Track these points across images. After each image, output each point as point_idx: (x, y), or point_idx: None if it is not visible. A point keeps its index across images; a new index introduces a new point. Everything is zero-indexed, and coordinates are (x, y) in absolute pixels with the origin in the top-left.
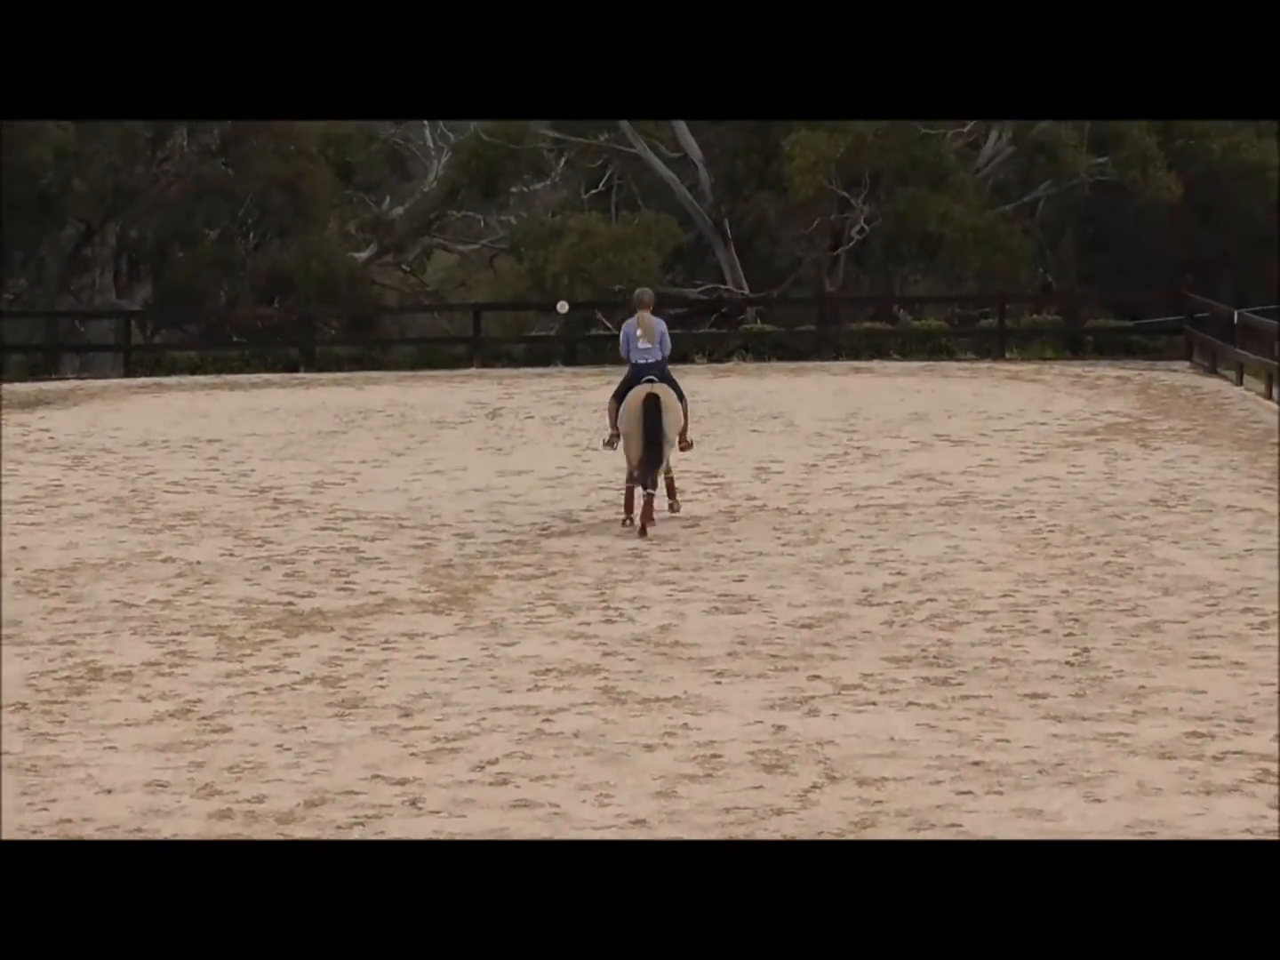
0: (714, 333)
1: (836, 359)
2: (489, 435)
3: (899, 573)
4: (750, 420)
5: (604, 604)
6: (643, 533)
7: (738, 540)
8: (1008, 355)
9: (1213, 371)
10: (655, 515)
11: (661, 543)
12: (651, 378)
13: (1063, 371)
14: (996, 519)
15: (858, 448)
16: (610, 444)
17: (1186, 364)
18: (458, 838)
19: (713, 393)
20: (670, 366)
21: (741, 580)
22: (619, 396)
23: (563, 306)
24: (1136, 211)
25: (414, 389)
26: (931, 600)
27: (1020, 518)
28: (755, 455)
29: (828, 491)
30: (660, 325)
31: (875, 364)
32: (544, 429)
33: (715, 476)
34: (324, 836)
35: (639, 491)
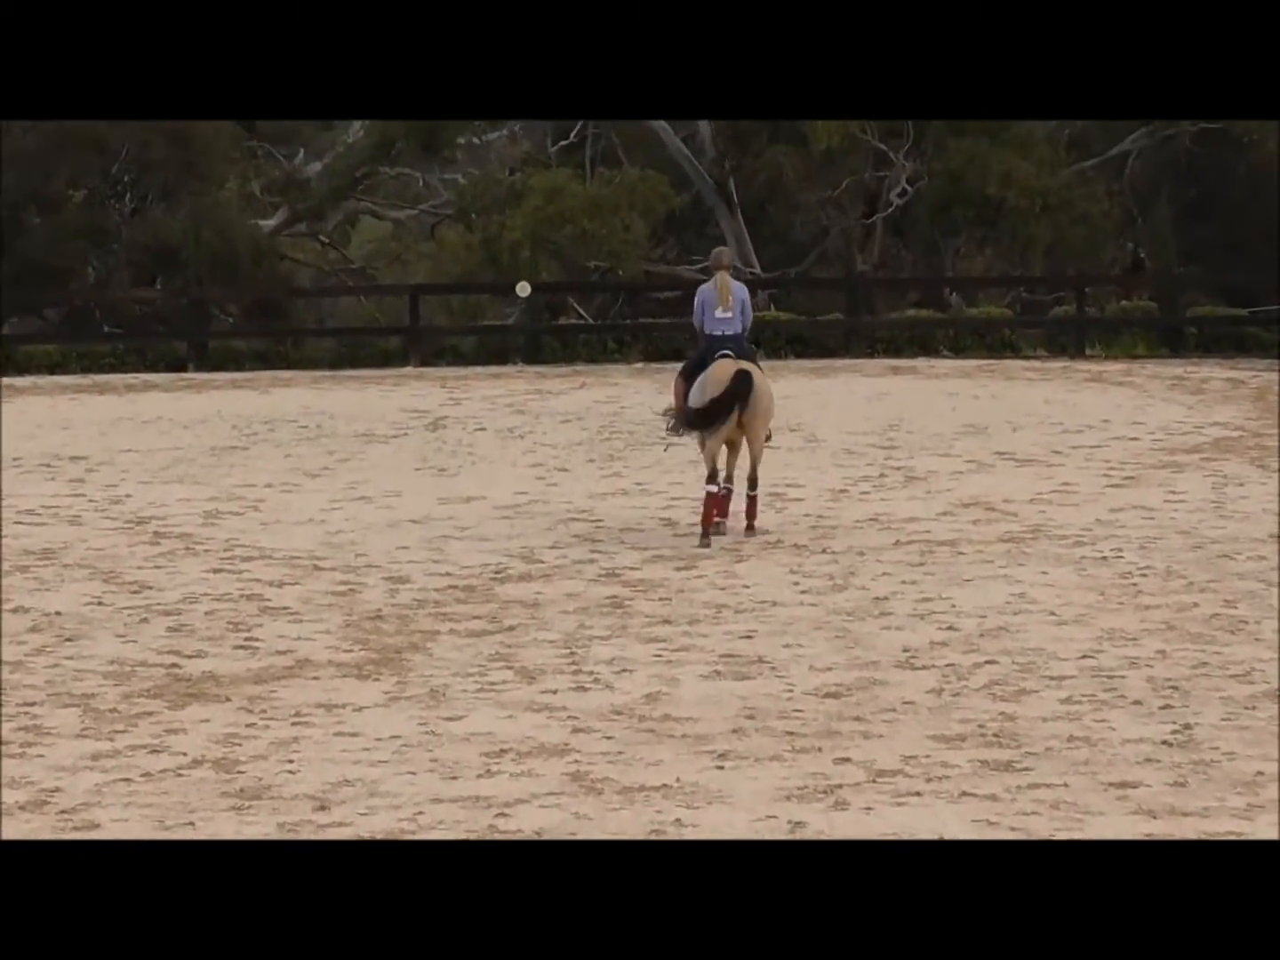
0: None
1: (871, 355)
2: (429, 452)
3: (950, 627)
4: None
5: (574, 667)
6: (750, 530)
7: (745, 586)
8: (1088, 352)
9: None
10: (716, 521)
11: (648, 589)
12: (729, 351)
13: (1158, 372)
14: (1074, 559)
15: (898, 468)
16: (676, 429)
17: None
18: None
19: None
20: (658, 365)
21: (750, 637)
22: (689, 375)
23: (523, 288)
24: (1250, 170)
25: (334, 393)
26: (991, 663)
27: (1104, 558)
28: (769, 478)
29: (859, 524)
30: (742, 291)
31: (920, 362)
32: (499, 444)
33: None
34: None
35: (716, 491)
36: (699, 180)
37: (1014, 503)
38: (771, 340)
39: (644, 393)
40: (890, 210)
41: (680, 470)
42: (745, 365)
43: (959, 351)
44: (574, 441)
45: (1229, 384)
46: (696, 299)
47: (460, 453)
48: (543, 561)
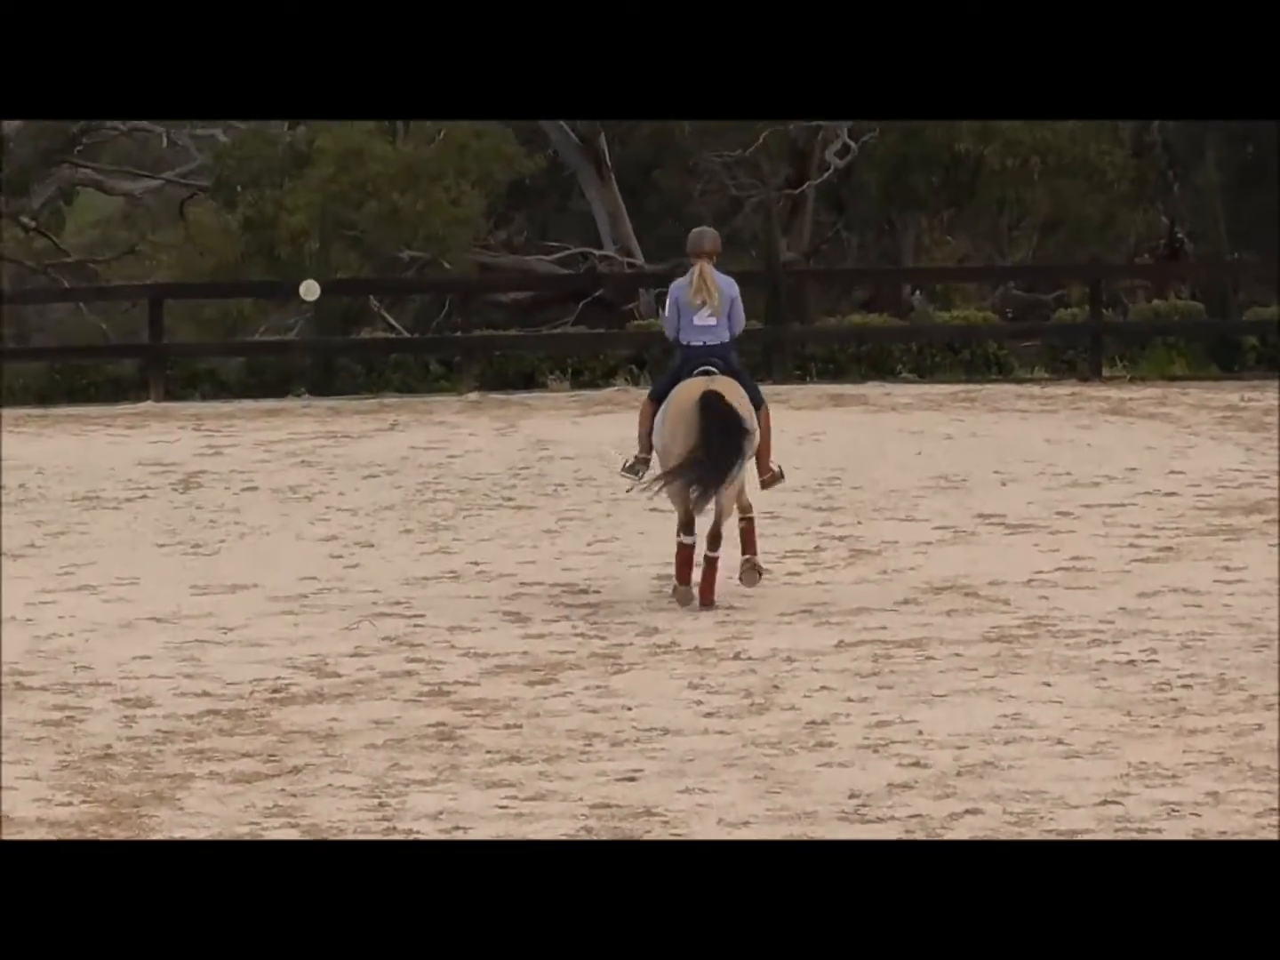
0: (581, 334)
1: (801, 379)
2: (179, 521)
3: (916, 763)
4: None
5: (385, 824)
6: (706, 603)
7: (626, 707)
8: (1107, 372)
9: None
10: (717, 586)
11: (490, 712)
12: (711, 368)
13: (1204, 400)
14: (1088, 665)
15: (840, 538)
16: (635, 470)
17: None
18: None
19: (581, 444)
20: (501, 395)
21: (633, 779)
22: (658, 396)
23: (309, 290)
24: None
25: (44, 439)
26: (974, 812)
27: (1131, 662)
28: (651, 552)
29: (786, 618)
30: (730, 287)
31: (871, 388)
32: (277, 509)
33: (583, 591)
34: None
35: (692, 543)
36: (558, 136)
37: (1004, 585)
38: (661, 359)
39: (483, 435)
40: (827, 175)
41: (534, 542)
42: (716, 383)
43: (925, 373)
44: (383, 505)
45: None
46: (669, 298)
47: (222, 522)
48: (339, 675)
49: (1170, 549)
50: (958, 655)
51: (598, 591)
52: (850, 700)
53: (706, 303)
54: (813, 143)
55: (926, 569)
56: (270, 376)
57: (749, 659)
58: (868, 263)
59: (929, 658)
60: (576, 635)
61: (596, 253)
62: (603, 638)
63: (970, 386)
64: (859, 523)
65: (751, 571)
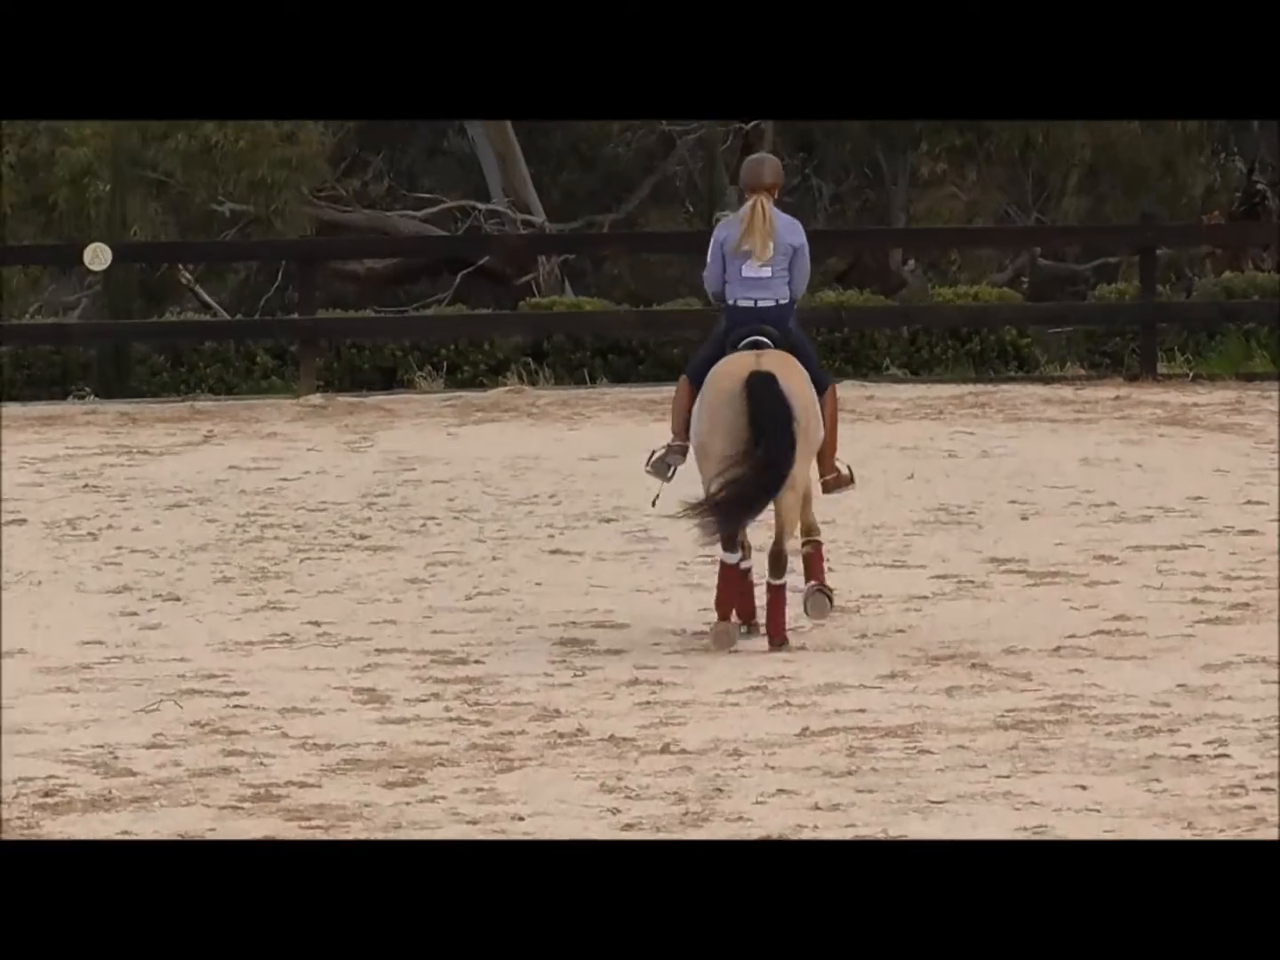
0: (459, 316)
1: None
2: None
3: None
4: (551, 530)
5: None
6: (777, 642)
7: (517, 816)
8: (1163, 369)
9: None
10: (787, 621)
11: (333, 822)
12: (763, 338)
13: None
14: (1136, 761)
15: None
16: (661, 468)
17: None
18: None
19: (459, 463)
20: (352, 398)
21: None
22: (696, 374)
23: (97, 256)
24: None
25: None
26: None
27: (1194, 757)
28: (550, 609)
29: (733, 696)
30: (793, 231)
31: (848, 388)
32: (51, 549)
33: (460, 661)
34: None
35: (737, 563)
36: None
37: (1024, 654)
38: (568, 350)
39: (327, 451)
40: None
41: (396, 594)
42: (767, 360)
43: (921, 369)
44: (192, 545)
45: None
46: (712, 242)
47: None
48: (133, 773)
49: (1246, 606)
50: (962, 748)
51: (479, 661)
52: (818, 808)
53: (761, 250)
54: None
55: (921, 631)
56: (42, 372)
57: (683, 752)
58: (845, 221)
59: (923, 751)
60: (451, 720)
61: (481, 207)
62: (486, 723)
63: (981, 387)
64: (831, 569)
65: (821, 598)
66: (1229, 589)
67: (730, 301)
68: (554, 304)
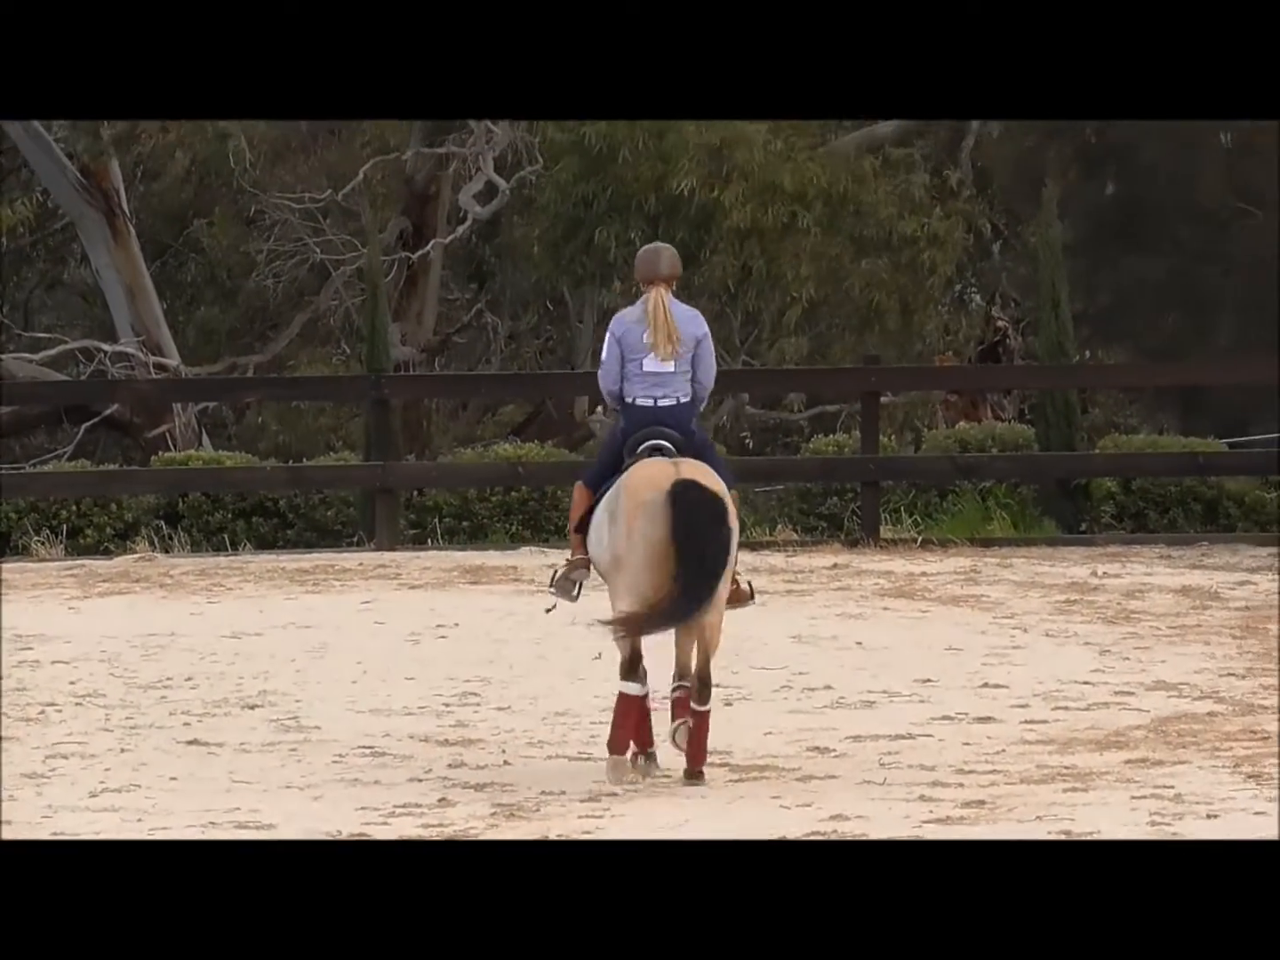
0: (83, 473)
1: (421, 543)
2: None
3: None
4: (188, 718)
5: None
6: (693, 774)
7: None
8: (888, 534)
9: None
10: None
11: None
12: (666, 442)
13: (1036, 575)
14: None
15: (474, 787)
16: (566, 587)
17: None
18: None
19: (83, 641)
20: None
21: None
22: (595, 480)
23: None
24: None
25: None
26: None
27: None
28: (190, 807)
29: None
30: (695, 323)
31: (524, 554)
32: None
33: None
34: None
35: (652, 693)
36: (48, 168)
37: None
38: (206, 511)
39: None
40: (463, 229)
41: (10, 790)
42: (687, 469)
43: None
44: None
45: (1183, 599)
46: (608, 337)
47: None
48: None
49: (981, 804)
50: None
51: None
52: None
53: (664, 343)
54: (438, 180)
55: (606, 835)
56: None
57: None
58: (524, 364)
59: None
60: None
61: (107, 348)
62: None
63: None
64: (506, 762)
65: (696, 782)
66: (962, 785)
67: (629, 400)
68: (190, 459)
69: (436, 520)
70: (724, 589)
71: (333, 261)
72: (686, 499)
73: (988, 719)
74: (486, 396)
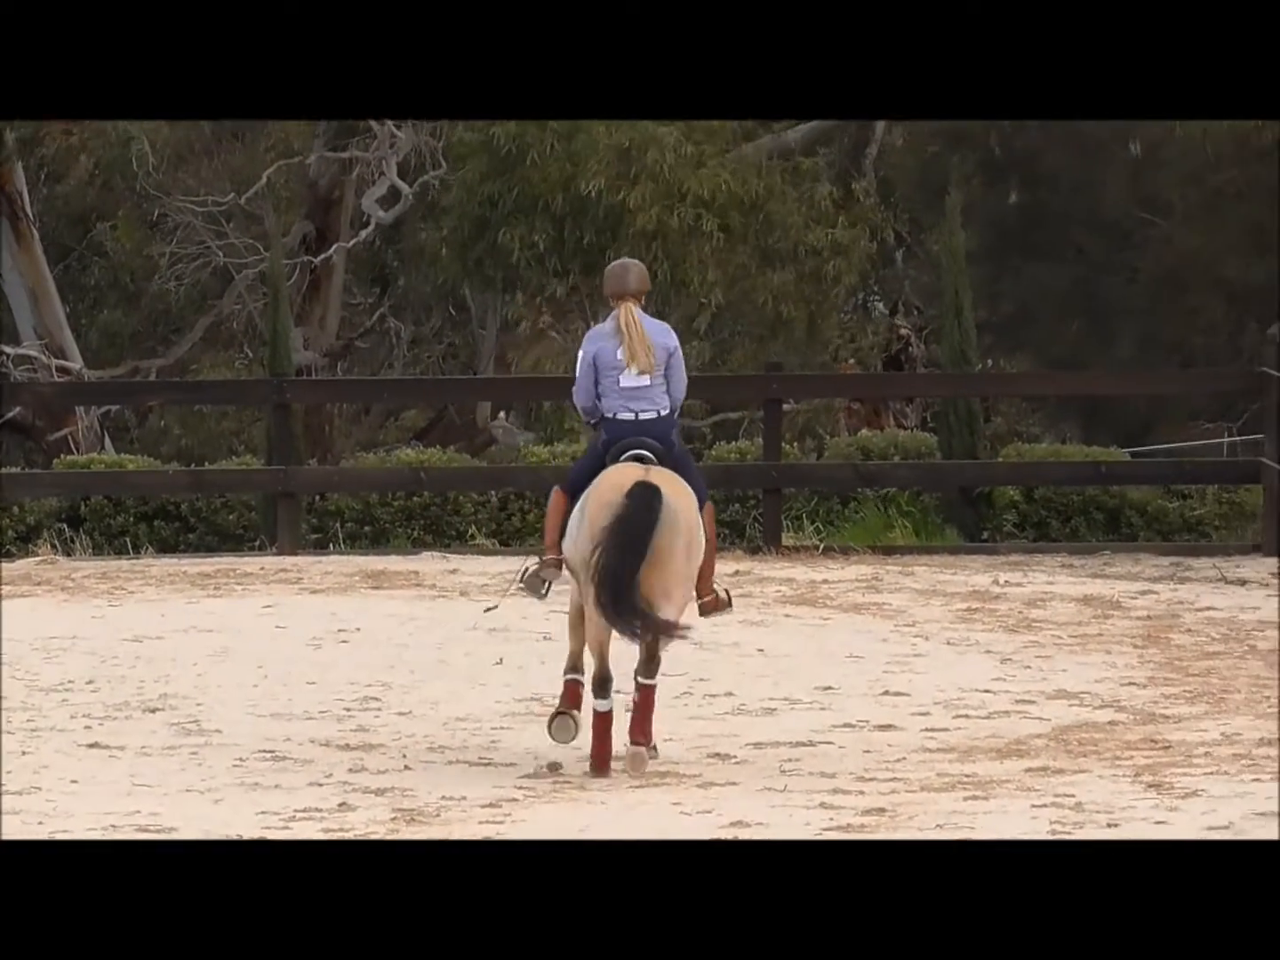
0: None
1: (323, 547)
2: None
3: None
4: (89, 721)
5: None
6: (638, 743)
7: None
8: (789, 541)
9: None
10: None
11: None
12: (646, 452)
13: (937, 583)
14: None
15: (375, 792)
16: (535, 584)
17: (1273, 561)
18: None
19: None
20: None
21: None
22: (574, 487)
23: None
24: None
25: None
26: None
27: None
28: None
29: None
30: (665, 335)
31: (428, 559)
32: None
33: None
34: None
35: (608, 710)
36: None
37: None
38: (108, 515)
39: None
40: (365, 233)
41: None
42: (653, 474)
43: (513, 538)
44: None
45: (1085, 608)
46: (581, 354)
47: None
48: None
49: (881, 811)
50: None
51: None
52: None
53: (640, 357)
54: (342, 185)
55: (512, 838)
56: None
57: None
58: (426, 369)
59: None
60: None
61: (9, 351)
62: None
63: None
64: (407, 767)
65: (639, 750)
66: (862, 792)
67: (609, 415)
68: (92, 462)
69: (338, 525)
70: (675, 591)
71: (235, 265)
72: (637, 498)
73: (889, 727)
74: (389, 401)
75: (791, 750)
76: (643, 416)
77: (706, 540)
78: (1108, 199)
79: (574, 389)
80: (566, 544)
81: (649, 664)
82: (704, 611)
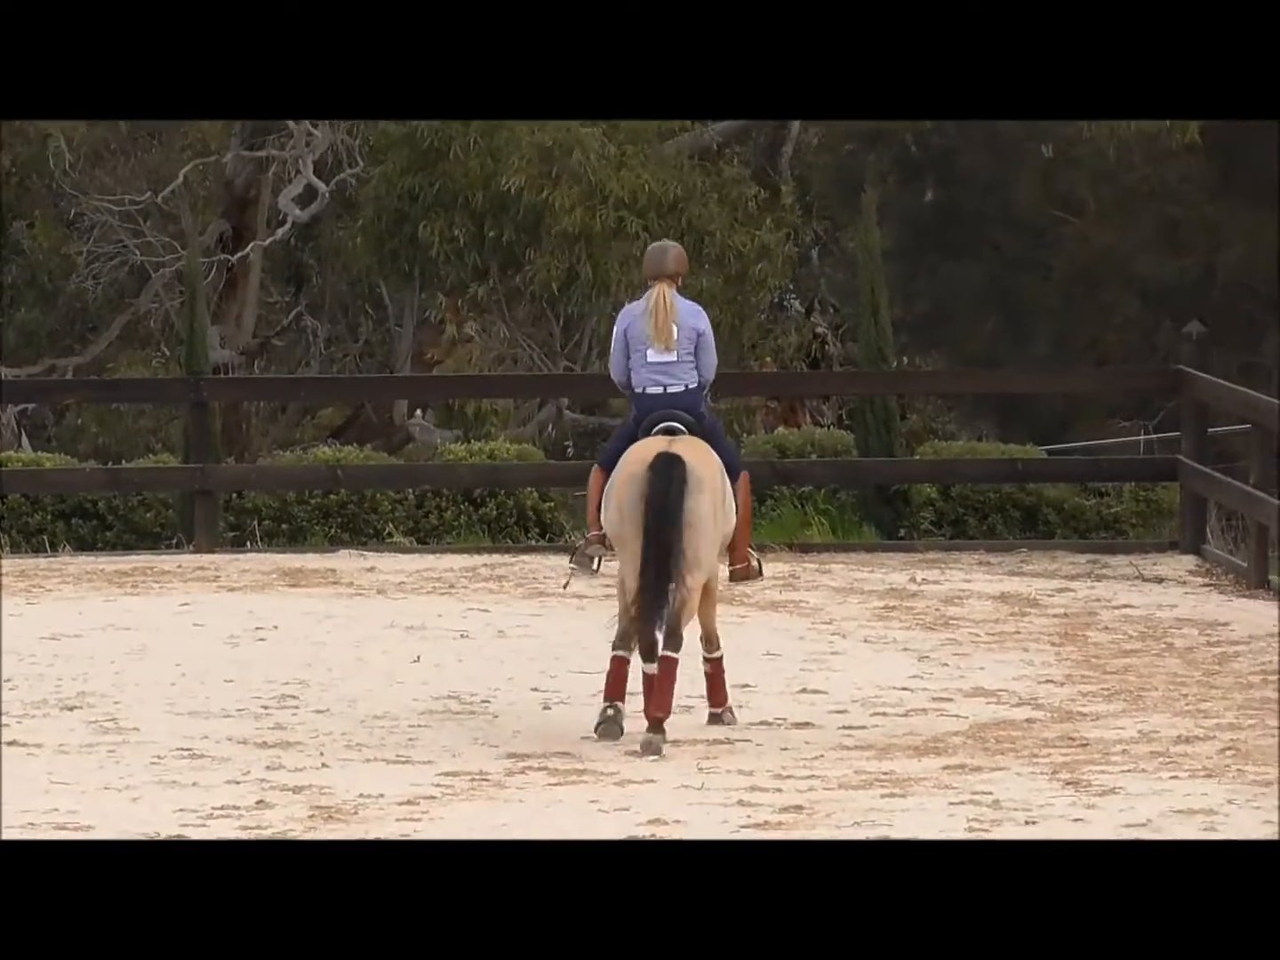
0: None
1: (240, 545)
2: None
3: None
4: (6, 719)
5: None
6: (654, 727)
7: None
8: None
9: (1259, 583)
10: (673, 704)
11: None
12: (673, 422)
13: (855, 581)
14: None
15: (294, 789)
16: (584, 562)
17: (1190, 559)
18: None
19: None
20: None
21: None
22: (609, 463)
23: None
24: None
25: None
26: None
27: None
28: None
29: None
30: (696, 316)
31: (345, 557)
32: None
33: None
34: None
35: (641, 665)
36: None
37: None
38: (25, 513)
39: None
40: (282, 232)
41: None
42: (677, 444)
43: (433, 536)
44: None
45: (1002, 606)
46: (616, 330)
47: None
48: None
49: (799, 809)
50: None
51: None
52: None
53: (664, 336)
54: (258, 183)
55: (429, 836)
56: None
57: None
58: (343, 368)
59: None
60: None
61: None
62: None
63: (497, 558)
64: (324, 765)
65: (654, 737)
66: (780, 790)
67: (639, 390)
68: (9, 460)
69: (255, 523)
70: (704, 559)
71: (152, 264)
72: (661, 470)
73: (806, 724)
74: (306, 400)
75: (709, 748)
76: (671, 389)
77: (741, 508)
78: (1022, 198)
79: (609, 363)
80: (605, 518)
81: (671, 638)
82: (735, 578)
